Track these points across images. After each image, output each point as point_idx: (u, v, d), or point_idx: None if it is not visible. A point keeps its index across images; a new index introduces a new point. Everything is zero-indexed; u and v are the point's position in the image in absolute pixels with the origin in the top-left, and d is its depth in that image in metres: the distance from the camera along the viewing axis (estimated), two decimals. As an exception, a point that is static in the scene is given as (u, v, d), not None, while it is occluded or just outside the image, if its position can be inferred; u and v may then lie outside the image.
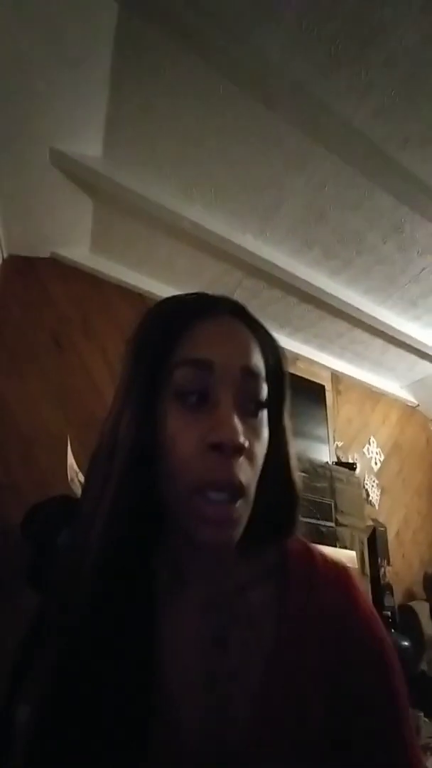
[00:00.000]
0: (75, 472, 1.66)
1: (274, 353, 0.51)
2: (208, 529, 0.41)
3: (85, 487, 0.48)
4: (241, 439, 0.41)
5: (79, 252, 2.17)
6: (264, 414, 0.47)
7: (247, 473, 0.43)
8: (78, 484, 1.62)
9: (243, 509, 0.43)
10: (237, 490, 0.42)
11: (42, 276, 2.13)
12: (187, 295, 0.53)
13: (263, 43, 1.27)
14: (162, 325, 0.48)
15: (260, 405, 0.46)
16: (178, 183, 1.80)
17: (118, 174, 1.74)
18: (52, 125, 1.52)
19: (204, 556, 0.47)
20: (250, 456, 0.43)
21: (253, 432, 0.44)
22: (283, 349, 0.53)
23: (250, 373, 0.46)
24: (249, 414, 0.45)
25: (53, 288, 2.16)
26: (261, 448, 0.45)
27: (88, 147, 1.64)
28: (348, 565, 0.53)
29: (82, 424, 1.95)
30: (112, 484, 0.44)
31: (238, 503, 0.42)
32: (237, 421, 0.42)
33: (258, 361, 0.47)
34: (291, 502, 0.51)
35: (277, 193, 1.80)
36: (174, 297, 0.52)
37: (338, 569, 0.49)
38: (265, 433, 0.46)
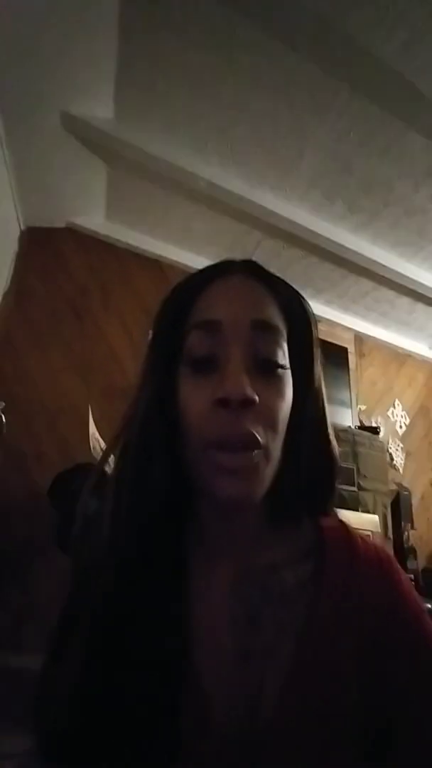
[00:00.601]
0: (97, 440, 1.70)
1: (299, 311, 0.49)
2: (225, 480, 0.41)
3: (115, 463, 0.47)
4: (248, 391, 0.40)
5: (95, 220, 2.13)
6: (285, 373, 0.45)
7: (262, 428, 0.42)
8: (100, 452, 1.66)
9: (261, 462, 0.42)
10: (249, 442, 0.41)
11: (59, 247, 2.12)
12: (207, 266, 0.51)
13: (282, -29, 1.16)
14: (178, 297, 0.48)
15: (277, 363, 0.44)
16: (192, 140, 1.71)
17: (131, 135, 1.67)
18: (62, 88, 1.46)
19: (233, 528, 0.46)
20: (265, 411, 0.42)
21: (269, 388, 0.43)
22: (309, 307, 0.50)
23: (262, 327, 0.44)
24: (265, 370, 0.43)
25: (71, 258, 2.15)
26: (280, 405, 0.43)
27: (99, 108, 1.57)
28: (373, 532, 0.50)
29: (103, 393, 1.98)
30: (140, 456, 0.44)
31: (254, 453, 0.41)
32: (244, 376, 0.41)
33: (273, 315, 0.45)
34: (328, 473, 0.49)
35: (298, 143, 1.70)
36: (189, 275, 0.51)
37: (380, 555, 0.47)
38: (288, 392, 0.44)
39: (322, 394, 0.50)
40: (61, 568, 0.49)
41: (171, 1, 1.25)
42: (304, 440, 0.46)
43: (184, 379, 0.44)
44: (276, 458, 0.44)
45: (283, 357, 0.45)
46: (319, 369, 0.50)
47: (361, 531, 0.50)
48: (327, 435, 0.49)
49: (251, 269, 0.49)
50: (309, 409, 0.47)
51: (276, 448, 0.43)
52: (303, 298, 0.51)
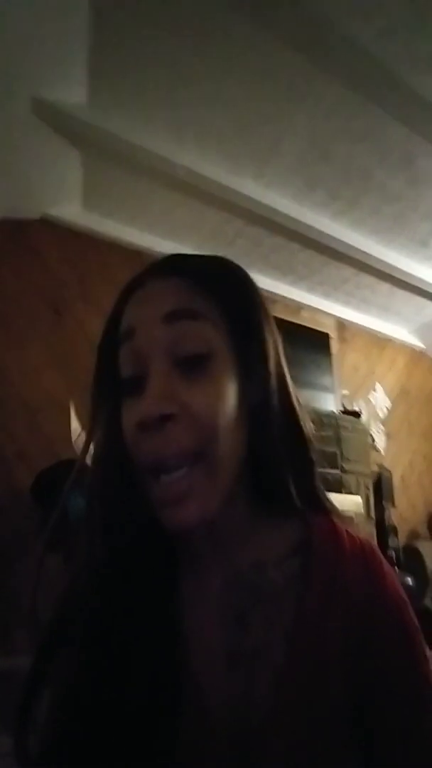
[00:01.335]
0: (79, 435, 1.69)
1: (232, 287, 0.44)
2: (166, 511, 0.40)
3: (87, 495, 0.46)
4: (158, 408, 0.38)
5: (71, 210, 2.06)
6: (215, 362, 0.41)
7: (196, 435, 0.39)
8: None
9: (204, 475, 0.40)
10: (181, 456, 0.39)
11: (34, 239, 2.05)
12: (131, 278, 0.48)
13: None
14: (109, 319, 0.46)
15: (200, 355, 0.40)
16: (169, 127, 1.67)
17: (106, 121, 1.61)
18: (32, 71, 1.39)
19: (215, 531, 0.45)
20: (196, 416, 0.39)
21: (197, 387, 0.39)
22: (248, 280, 0.46)
23: (176, 318, 0.40)
24: (190, 367, 0.40)
25: (47, 251, 2.08)
26: (215, 402, 0.40)
27: (72, 94, 1.51)
28: (356, 512, 0.51)
29: (85, 388, 1.94)
30: (108, 488, 0.44)
31: (183, 472, 0.39)
32: (159, 390, 0.38)
33: (189, 301, 0.41)
34: (303, 459, 0.47)
35: (277, 130, 1.67)
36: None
37: (363, 546, 0.46)
38: (224, 382, 0.41)
39: (282, 371, 0.46)
40: (48, 567, 0.49)
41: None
42: (270, 426, 0.44)
43: (123, 404, 0.42)
44: (228, 458, 0.41)
45: (210, 345, 0.41)
46: (273, 346, 0.45)
47: (344, 513, 0.48)
48: (296, 417, 0.46)
49: (170, 264, 0.46)
50: (268, 392, 0.44)
51: (222, 448, 0.40)
52: (239, 271, 0.46)
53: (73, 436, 1.69)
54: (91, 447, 0.46)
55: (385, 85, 1.42)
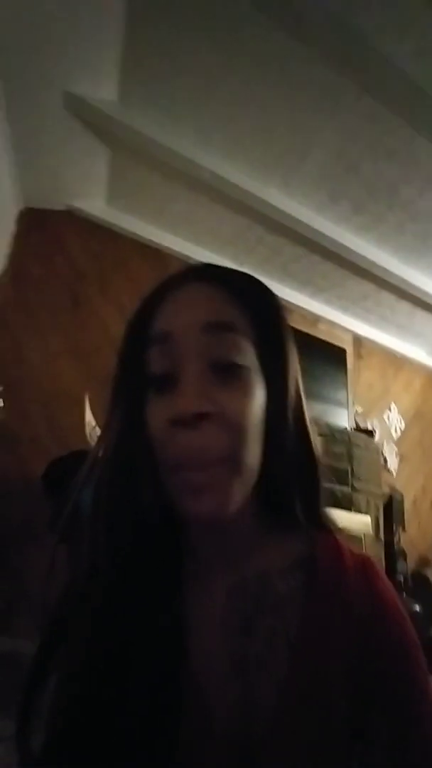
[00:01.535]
0: (93, 428, 1.71)
1: (263, 304, 0.46)
2: (191, 499, 0.40)
3: (95, 489, 0.47)
4: (197, 405, 0.39)
5: (96, 205, 2.10)
6: (248, 372, 0.42)
7: (227, 437, 0.40)
8: (95, 439, 1.67)
9: (229, 475, 0.41)
10: (210, 457, 0.40)
11: (58, 230, 2.09)
12: (165, 277, 0.49)
13: (294, -39, 1.12)
14: (138, 315, 0.46)
15: (235, 363, 0.42)
16: (197, 129, 1.68)
17: (135, 119, 1.63)
18: (66, 67, 1.42)
19: (223, 539, 0.46)
20: (227, 419, 0.40)
21: (230, 393, 0.41)
22: (276, 299, 0.48)
23: (215, 328, 0.42)
24: (224, 374, 0.41)
25: (70, 242, 2.12)
26: (244, 409, 0.41)
27: (103, 90, 1.54)
28: (365, 533, 0.51)
29: (100, 381, 1.97)
30: (122, 481, 0.44)
31: (218, 469, 0.40)
32: (196, 389, 0.40)
33: (228, 314, 0.43)
34: (311, 474, 0.48)
35: (304, 140, 1.66)
36: (148, 293, 0.49)
37: (364, 561, 0.47)
38: (254, 392, 0.42)
39: (299, 390, 0.48)
40: (58, 559, 0.50)
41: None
42: (284, 441, 0.45)
43: (149, 400, 0.43)
44: (250, 465, 0.42)
45: (244, 356, 0.42)
46: (293, 365, 0.47)
47: (352, 533, 0.49)
48: (308, 436, 0.48)
49: (207, 272, 0.47)
50: (285, 408, 0.45)
51: (248, 455, 0.41)
52: (268, 290, 0.48)
53: (87, 429, 1.71)
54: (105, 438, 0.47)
55: (417, 103, 1.39)
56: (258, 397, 0.42)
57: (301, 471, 0.47)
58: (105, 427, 0.47)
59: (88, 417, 1.73)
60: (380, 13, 1.17)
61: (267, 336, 0.45)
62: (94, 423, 1.73)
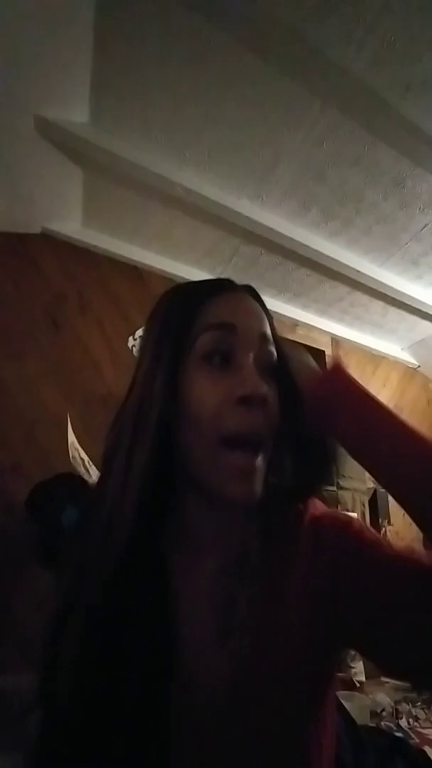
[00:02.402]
0: (76, 450, 1.67)
1: (278, 336, 0.56)
2: (235, 482, 0.44)
3: (108, 455, 0.49)
4: (266, 390, 0.45)
5: (71, 226, 2.10)
6: (275, 382, 0.50)
7: (268, 430, 0.47)
8: (79, 461, 1.64)
9: (263, 462, 0.46)
10: (261, 442, 0.45)
11: (34, 253, 2.08)
12: (211, 279, 0.58)
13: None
14: (183, 300, 0.52)
15: (275, 371, 0.50)
16: (169, 147, 1.72)
17: (107, 140, 1.66)
18: (35, 91, 1.44)
19: (220, 523, 0.50)
20: (271, 413, 0.47)
21: (271, 391, 0.48)
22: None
23: (267, 340, 0.51)
24: (266, 376, 0.49)
25: (46, 265, 2.11)
26: (277, 405, 0.49)
27: (75, 113, 1.56)
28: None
29: (82, 401, 1.96)
30: (143, 446, 0.45)
31: (260, 457, 0.45)
32: (258, 376, 0.46)
33: (272, 333, 0.53)
34: (319, 463, 0.54)
35: (273, 153, 1.73)
36: (190, 282, 0.57)
37: (339, 516, 0.53)
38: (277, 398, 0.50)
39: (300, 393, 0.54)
40: (41, 583, 0.50)
41: (146, 10, 1.26)
42: (289, 441, 0.52)
43: (197, 374, 0.46)
44: (269, 453, 0.49)
45: (277, 368, 0.51)
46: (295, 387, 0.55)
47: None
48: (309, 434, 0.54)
49: (252, 291, 0.56)
50: (293, 416, 0.51)
51: (271, 443, 0.48)
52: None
53: (71, 450, 1.68)
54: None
55: (376, 110, 1.48)
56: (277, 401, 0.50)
57: (309, 462, 0.53)
58: (138, 397, 0.49)
59: (71, 439, 1.70)
60: (336, 24, 1.24)
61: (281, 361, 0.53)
62: (78, 445, 1.70)
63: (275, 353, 0.51)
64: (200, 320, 0.49)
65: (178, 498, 0.49)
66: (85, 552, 0.46)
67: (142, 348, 0.53)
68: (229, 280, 0.56)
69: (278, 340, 0.54)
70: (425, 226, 2.07)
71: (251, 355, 0.48)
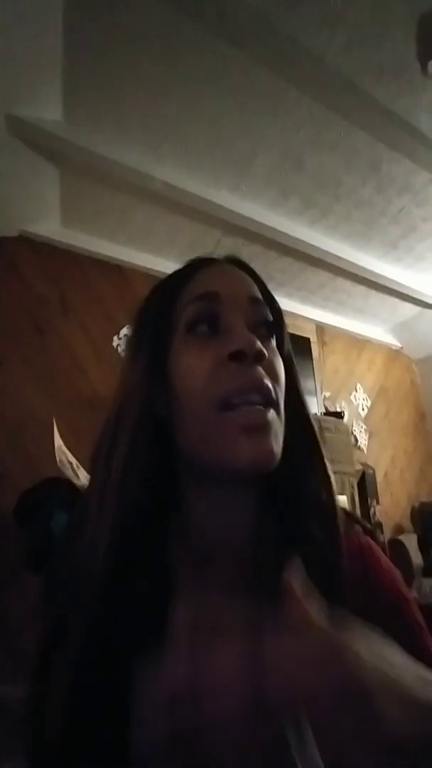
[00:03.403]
0: (63, 454, 1.66)
1: (271, 299, 0.50)
2: (244, 441, 0.38)
3: (94, 456, 0.44)
4: (259, 345, 0.40)
5: (50, 227, 2.06)
6: (274, 340, 0.46)
7: (272, 384, 0.41)
8: (67, 464, 1.62)
9: (276, 421, 0.40)
10: (267, 394, 0.39)
11: (12, 256, 2.03)
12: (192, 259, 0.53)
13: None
14: (163, 287, 0.49)
15: (270, 328, 0.45)
16: (146, 142, 1.70)
17: (82, 137, 1.63)
18: (6, 89, 1.40)
19: (228, 520, 0.44)
20: (272, 368, 0.42)
21: (269, 348, 0.43)
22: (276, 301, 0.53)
23: (257, 301, 0.46)
24: (262, 336, 0.43)
25: (26, 268, 2.06)
26: (281, 363, 0.44)
27: (47, 111, 1.52)
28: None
29: (68, 405, 1.94)
30: (123, 441, 0.42)
31: (271, 412, 0.40)
32: (250, 334, 0.41)
33: (263, 297, 0.47)
34: (312, 448, 0.48)
35: (251, 143, 1.73)
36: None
37: (362, 544, 0.48)
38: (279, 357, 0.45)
39: (297, 375, 0.50)
40: (32, 591, 0.46)
41: (117, 3, 1.24)
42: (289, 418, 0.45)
43: (183, 346, 0.43)
44: (284, 419, 0.42)
45: (273, 324, 0.46)
46: (291, 355, 0.51)
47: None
48: (307, 413, 0.49)
49: (236, 261, 0.52)
50: (290, 387, 0.46)
51: (282, 406, 0.42)
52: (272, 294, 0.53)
53: (57, 454, 1.66)
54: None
55: (351, 96, 1.49)
56: (281, 360, 0.45)
57: (303, 446, 0.47)
58: (121, 382, 0.46)
59: (58, 442, 1.69)
60: (308, 11, 1.25)
61: (276, 334, 0.48)
62: (65, 448, 1.68)
63: (269, 314, 0.46)
64: (182, 299, 0.45)
65: (185, 494, 0.44)
66: (74, 572, 0.40)
67: (127, 345, 0.50)
68: (209, 257, 0.51)
69: (273, 302, 0.49)
70: (401, 209, 2.11)
71: (240, 319, 0.43)
